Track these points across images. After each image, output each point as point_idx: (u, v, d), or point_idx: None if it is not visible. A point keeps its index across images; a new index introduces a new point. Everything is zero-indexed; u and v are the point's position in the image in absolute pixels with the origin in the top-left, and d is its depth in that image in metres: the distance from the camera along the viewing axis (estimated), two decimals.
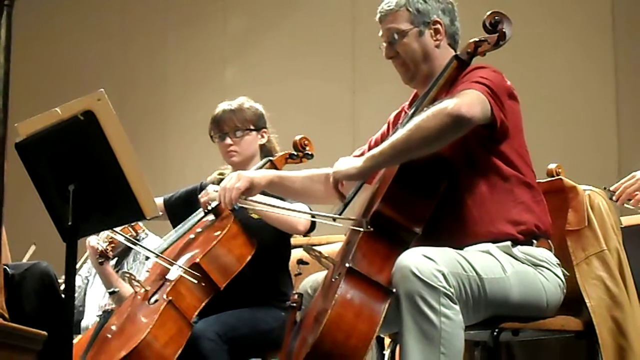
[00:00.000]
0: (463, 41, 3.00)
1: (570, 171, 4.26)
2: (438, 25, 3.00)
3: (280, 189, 3.25)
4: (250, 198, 3.11)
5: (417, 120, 2.70)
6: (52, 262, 3.81)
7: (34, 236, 4.84)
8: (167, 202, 4.02)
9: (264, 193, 3.34)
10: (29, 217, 5.11)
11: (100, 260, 4.32)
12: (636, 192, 3.54)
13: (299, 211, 3.38)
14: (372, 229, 2.62)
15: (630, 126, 6.48)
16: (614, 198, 3.56)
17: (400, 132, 2.72)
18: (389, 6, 3.02)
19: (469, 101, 2.68)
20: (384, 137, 3.12)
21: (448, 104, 2.67)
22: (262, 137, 3.93)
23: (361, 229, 2.64)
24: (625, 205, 3.56)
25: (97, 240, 4.37)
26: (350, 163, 2.83)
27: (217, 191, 3.58)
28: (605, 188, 3.54)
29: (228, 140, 3.87)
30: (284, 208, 3.34)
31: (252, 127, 3.89)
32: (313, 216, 3.48)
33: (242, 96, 4.01)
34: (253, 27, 7.94)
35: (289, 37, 7.72)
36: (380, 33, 3.04)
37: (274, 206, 3.30)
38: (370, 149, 3.14)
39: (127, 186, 2.66)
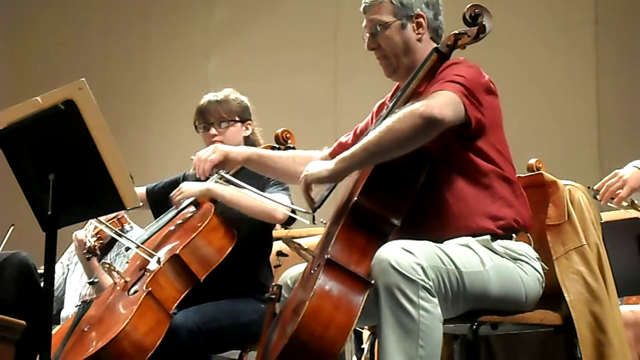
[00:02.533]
0: (446, 35, 3.00)
1: (551, 166, 4.28)
2: (421, 19, 2.99)
3: (259, 167, 3.24)
4: (226, 175, 3.11)
5: (388, 122, 2.70)
6: (34, 251, 3.80)
7: (16, 223, 4.83)
8: (149, 192, 4.01)
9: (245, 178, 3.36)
10: (10, 204, 5.09)
11: (87, 256, 4.31)
12: (618, 191, 3.52)
13: (270, 199, 3.38)
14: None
15: (611, 121, 6.52)
16: (597, 197, 3.55)
17: (372, 134, 2.71)
18: None
19: (440, 102, 2.67)
20: (368, 126, 3.13)
21: (420, 106, 2.66)
22: (247, 129, 3.93)
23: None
24: (609, 204, 3.55)
25: (84, 234, 4.36)
26: (321, 166, 2.80)
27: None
28: (589, 187, 3.54)
29: (213, 131, 3.86)
30: (256, 192, 3.30)
31: (237, 119, 3.89)
32: (293, 211, 3.49)
33: (227, 88, 4.01)
34: (236, 19, 7.93)
35: (272, 30, 7.72)
36: (364, 24, 3.04)
37: (245, 187, 3.27)
38: (355, 136, 3.15)
39: (108, 176, 2.66)
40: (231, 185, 3.29)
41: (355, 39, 3.07)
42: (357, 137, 3.09)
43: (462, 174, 2.82)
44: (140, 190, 3.92)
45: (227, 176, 3.16)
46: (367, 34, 3.03)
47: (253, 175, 3.55)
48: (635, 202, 3.56)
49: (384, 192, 2.68)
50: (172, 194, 3.71)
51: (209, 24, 8.02)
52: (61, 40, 8.31)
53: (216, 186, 3.70)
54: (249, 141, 3.93)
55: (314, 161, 2.91)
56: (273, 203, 3.45)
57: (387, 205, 2.67)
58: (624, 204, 3.52)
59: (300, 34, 7.56)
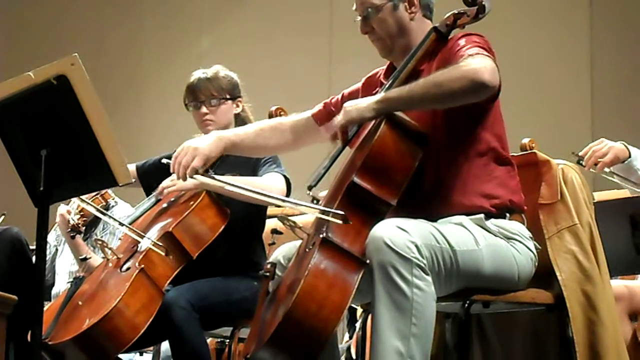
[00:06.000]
0: (441, 12, 2.98)
1: (544, 146, 4.28)
2: None
3: (237, 153, 3.17)
4: (208, 175, 2.94)
5: (438, 77, 2.69)
6: (24, 230, 3.79)
7: (2, 202, 4.82)
8: (139, 169, 3.99)
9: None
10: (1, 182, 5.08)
11: (72, 234, 4.29)
12: (602, 158, 3.52)
13: (261, 193, 3.14)
14: (339, 220, 2.56)
15: (605, 102, 6.52)
16: (582, 163, 3.55)
17: (422, 84, 2.70)
18: None
19: (490, 68, 2.67)
20: (351, 95, 3.10)
21: (471, 69, 2.65)
22: (237, 106, 3.91)
23: (328, 218, 2.58)
24: (591, 170, 3.55)
25: (67, 210, 4.34)
26: (362, 105, 2.75)
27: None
28: (573, 153, 3.54)
29: (204, 109, 3.84)
30: (243, 188, 2.92)
31: (227, 96, 3.87)
32: (289, 191, 3.44)
33: (218, 65, 3.99)
34: None
35: (266, 7, 7.69)
36: (355, 7, 3.01)
37: (231, 184, 2.93)
38: (343, 100, 3.11)
39: (100, 152, 2.65)
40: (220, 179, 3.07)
41: (350, 17, 3.04)
42: (343, 102, 3.01)
43: (462, 152, 2.83)
44: (131, 168, 3.89)
45: (206, 175, 2.97)
46: (359, 17, 3.00)
47: (242, 159, 3.58)
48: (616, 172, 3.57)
49: (380, 172, 2.67)
50: (164, 185, 3.66)
51: (202, 4, 7.98)
52: (54, 20, 8.26)
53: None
54: (239, 118, 3.92)
55: (353, 100, 2.83)
56: (249, 194, 3.26)
57: (384, 186, 2.66)
58: (607, 169, 3.52)
59: (295, 11, 7.53)
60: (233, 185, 2.87)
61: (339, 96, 3.16)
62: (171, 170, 2.97)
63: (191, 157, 2.90)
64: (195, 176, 2.92)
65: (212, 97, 3.84)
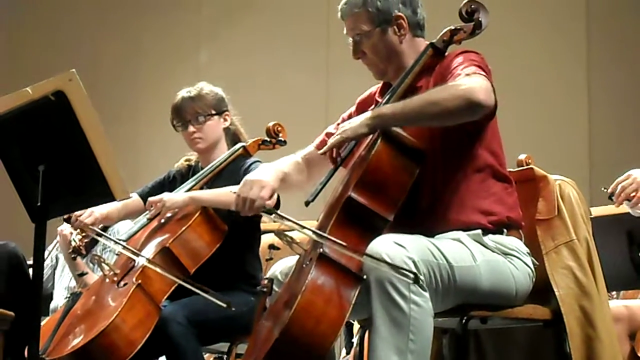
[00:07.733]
0: (437, 28, 2.98)
1: (541, 162, 4.27)
2: (400, 20, 2.96)
3: (284, 187, 3.09)
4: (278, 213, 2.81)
5: (433, 95, 2.70)
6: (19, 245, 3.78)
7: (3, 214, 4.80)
8: (143, 196, 3.97)
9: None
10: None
11: (73, 256, 4.28)
12: (633, 192, 3.49)
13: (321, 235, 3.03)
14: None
15: (602, 117, 6.53)
16: (613, 199, 3.52)
17: (417, 101, 2.70)
18: (348, 6, 2.98)
19: (486, 88, 2.67)
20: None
21: (466, 88, 2.65)
22: (225, 120, 3.90)
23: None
24: (625, 205, 3.52)
25: (69, 231, 4.32)
26: (355, 122, 2.75)
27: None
28: (603, 188, 3.52)
29: (191, 128, 3.83)
30: (307, 228, 2.76)
31: (213, 112, 3.86)
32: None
33: (202, 82, 3.98)
34: (228, 9, 7.91)
35: (264, 21, 7.70)
36: (345, 31, 3.02)
37: (297, 223, 2.74)
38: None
39: (98, 168, 2.65)
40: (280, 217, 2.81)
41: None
42: None
43: (459, 169, 2.83)
44: (136, 198, 3.88)
45: (279, 213, 2.81)
46: (351, 39, 3.01)
47: (236, 171, 3.66)
48: None
49: (377, 187, 2.67)
50: (152, 199, 3.65)
51: (200, 14, 8.00)
52: (51, 35, 8.25)
53: (198, 192, 3.68)
54: (229, 132, 3.92)
55: (346, 121, 2.84)
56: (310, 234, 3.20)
57: (380, 201, 2.66)
58: None
59: (293, 25, 7.54)
60: (299, 224, 2.69)
61: (339, 120, 3.17)
62: (234, 207, 2.90)
63: (258, 188, 2.86)
64: (262, 213, 2.86)
65: (197, 114, 3.83)
